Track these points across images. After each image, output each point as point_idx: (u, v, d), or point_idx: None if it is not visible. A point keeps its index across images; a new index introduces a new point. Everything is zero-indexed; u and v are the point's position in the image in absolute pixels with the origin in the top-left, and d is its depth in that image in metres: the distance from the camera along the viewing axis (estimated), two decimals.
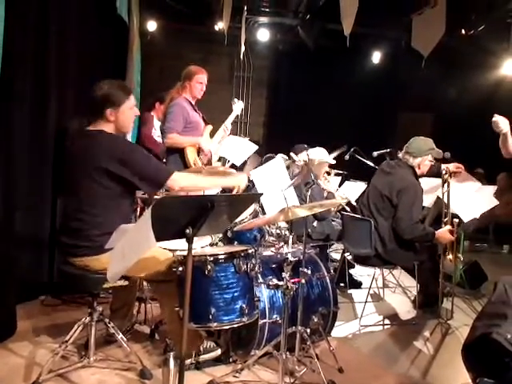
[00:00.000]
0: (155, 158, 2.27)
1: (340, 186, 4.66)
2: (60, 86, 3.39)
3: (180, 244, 2.28)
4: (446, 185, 3.32)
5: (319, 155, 4.00)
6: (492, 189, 3.55)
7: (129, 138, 4.62)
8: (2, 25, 2.41)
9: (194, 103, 3.64)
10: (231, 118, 3.82)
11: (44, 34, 3.14)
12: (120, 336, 2.32)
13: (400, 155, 3.31)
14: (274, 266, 2.54)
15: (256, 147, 4.04)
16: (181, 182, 2.19)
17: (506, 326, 1.69)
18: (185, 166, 3.44)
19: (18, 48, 2.82)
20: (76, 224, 2.22)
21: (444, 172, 3.33)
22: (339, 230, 3.85)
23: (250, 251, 2.20)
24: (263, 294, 2.40)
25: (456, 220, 3.23)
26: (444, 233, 3.15)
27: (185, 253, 1.88)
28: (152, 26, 6.23)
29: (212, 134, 3.72)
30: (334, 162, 3.95)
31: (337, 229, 3.95)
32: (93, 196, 2.19)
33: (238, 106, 3.87)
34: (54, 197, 3.33)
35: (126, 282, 2.31)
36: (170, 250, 2.40)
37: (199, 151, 3.49)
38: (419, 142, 3.24)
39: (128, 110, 2.28)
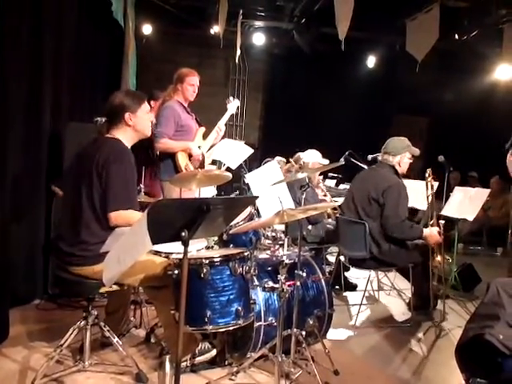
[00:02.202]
0: (128, 186, 2.22)
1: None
2: (55, 90, 3.38)
3: (175, 247, 2.29)
4: (430, 188, 3.38)
5: (312, 158, 4.01)
6: (486, 192, 3.59)
7: None
8: None
9: (186, 105, 3.62)
10: (225, 117, 3.77)
11: (39, 37, 3.13)
12: (115, 340, 2.32)
13: (379, 158, 3.41)
14: (269, 268, 2.55)
15: (252, 150, 4.04)
16: (118, 222, 2.16)
17: (498, 327, 1.71)
18: (176, 171, 3.42)
19: (12, 52, 2.82)
20: (74, 231, 2.21)
21: (427, 175, 3.38)
22: (332, 231, 3.86)
23: (245, 254, 2.21)
24: (259, 296, 2.41)
25: (442, 222, 3.28)
26: (432, 232, 3.20)
27: (180, 256, 1.89)
28: (147, 29, 6.24)
29: (206, 137, 3.70)
30: (327, 162, 3.96)
31: (331, 230, 3.95)
32: (91, 203, 2.19)
33: (233, 105, 3.82)
34: (49, 202, 3.32)
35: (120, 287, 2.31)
36: (165, 253, 2.41)
37: (191, 155, 3.47)
38: (395, 141, 3.35)
39: (144, 115, 2.37)
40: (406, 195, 3.19)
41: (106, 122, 2.33)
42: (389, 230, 3.11)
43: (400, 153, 3.29)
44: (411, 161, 3.37)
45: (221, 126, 3.70)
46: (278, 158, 4.48)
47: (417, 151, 3.35)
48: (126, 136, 2.34)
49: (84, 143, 2.41)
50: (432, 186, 3.40)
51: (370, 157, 4.08)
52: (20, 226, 3.07)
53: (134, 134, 2.36)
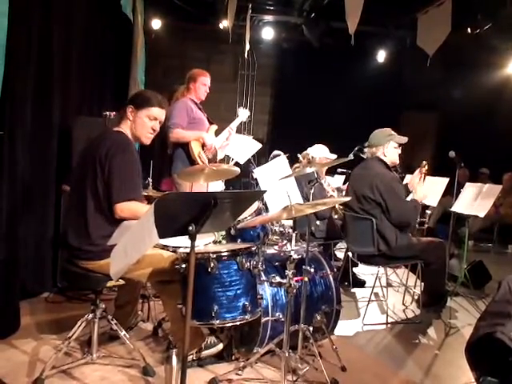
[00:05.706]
0: (132, 176, 2.19)
1: (344, 184, 4.65)
2: (64, 85, 3.39)
3: (183, 241, 2.29)
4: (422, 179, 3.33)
5: (320, 152, 3.99)
6: (498, 188, 3.53)
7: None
8: (6, 21, 2.42)
9: (198, 103, 3.71)
10: (236, 122, 3.86)
11: (48, 32, 3.14)
12: (123, 333, 2.33)
13: (366, 154, 3.34)
14: (277, 263, 2.54)
15: (260, 145, 4.04)
16: (124, 213, 2.14)
17: (510, 325, 1.67)
18: (190, 160, 3.48)
19: (21, 46, 2.82)
20: (80, 225, 2.21)
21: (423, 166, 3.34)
22: (339, 227, 3.82)
23: (253, 249, 2.20)
24: (266, 291, 2.40)
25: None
26: (413, 184, 3.23)
27: (188, 250, 1.89)
28: (156, 24, 6.23)
29: (217, 134, 3.74)
30: (334, 157, 3.92)
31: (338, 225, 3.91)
32: (96, 196, 2.19)
33: (244, 114, 3.93)
34: (58, 196, 3.35)
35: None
36: (172, 247, 2.41)
37: (203, 145, 3.53)
38: (376, 133, 3.29)
39: (145, 117, 2.30)
40: (400, 185, 3.20)
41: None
42: (403, 224, 3.11)
43: (382, 143, 3.22)
44: (399, 151, 3.28)
45: (232, 127, 3.78)
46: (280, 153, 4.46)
47: (403, 139, 3.25)
48: (128, 130, 2.32)
49: (92, 137, 2.41)
50: (424, 177, 3.34)
51: (351, 155, 3.91)
52: (29, 220, 3.09)
53: (131, 131, 2.31)
